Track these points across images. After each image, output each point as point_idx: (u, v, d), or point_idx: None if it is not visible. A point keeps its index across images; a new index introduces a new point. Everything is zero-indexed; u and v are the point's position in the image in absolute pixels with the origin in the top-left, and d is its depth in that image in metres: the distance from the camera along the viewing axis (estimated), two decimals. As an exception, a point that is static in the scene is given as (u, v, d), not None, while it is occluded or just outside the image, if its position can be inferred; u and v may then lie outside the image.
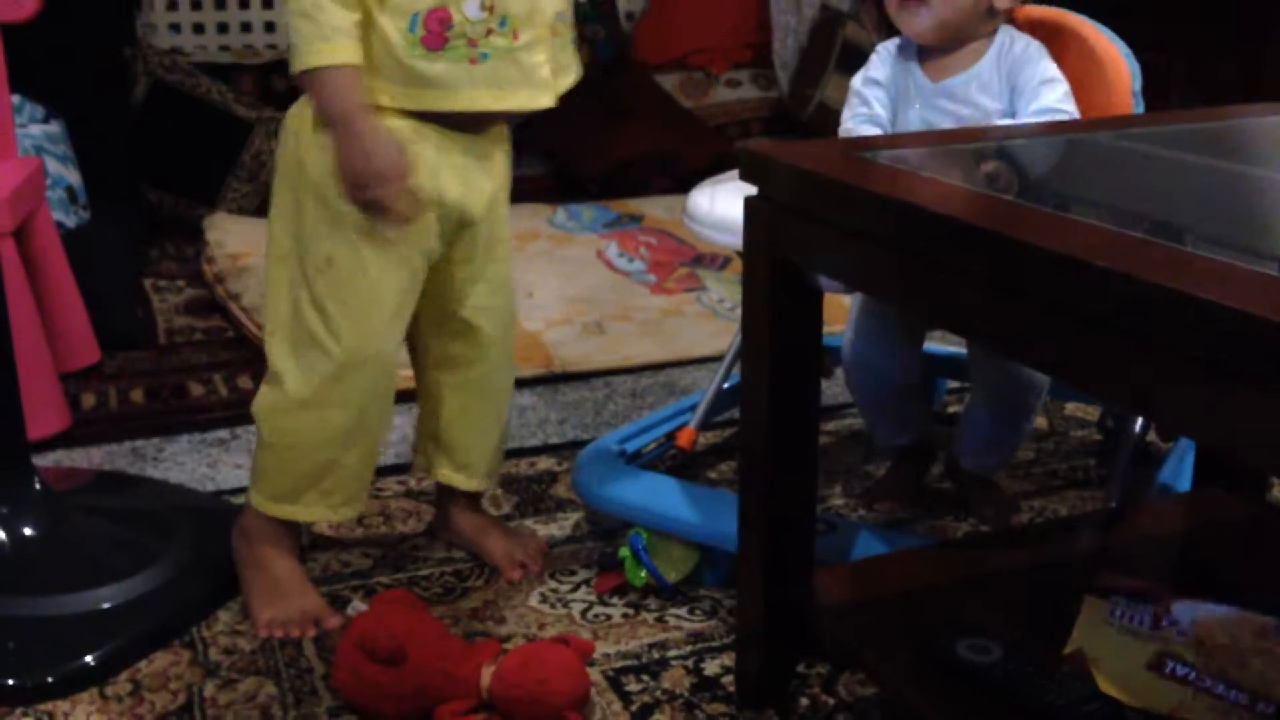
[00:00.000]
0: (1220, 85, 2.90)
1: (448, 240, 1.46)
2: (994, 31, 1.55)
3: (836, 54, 3.81)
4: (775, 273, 1.18)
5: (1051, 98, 1.49)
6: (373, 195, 1.33)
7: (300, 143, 1.39)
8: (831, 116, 2.81)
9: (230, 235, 2.90)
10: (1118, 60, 1.53)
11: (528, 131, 3.68)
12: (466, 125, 1.42)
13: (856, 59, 3.98)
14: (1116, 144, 1.26)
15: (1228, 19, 2.76)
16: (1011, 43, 1.55)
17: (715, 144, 3.71)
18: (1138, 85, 1.53)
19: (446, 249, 1.47)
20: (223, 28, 3.54)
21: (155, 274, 2.89)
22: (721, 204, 1.65)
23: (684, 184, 3.66)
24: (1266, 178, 1.24)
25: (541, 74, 1.41)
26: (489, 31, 1.35)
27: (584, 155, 3.60)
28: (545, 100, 1.42)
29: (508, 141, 1.52)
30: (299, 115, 1.40)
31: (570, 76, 1.47)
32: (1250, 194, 1.17)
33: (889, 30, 1.62)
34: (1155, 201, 1.14)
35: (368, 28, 1.34)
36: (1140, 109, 1.54)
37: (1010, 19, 1.57)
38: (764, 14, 3.93)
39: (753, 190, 1.20)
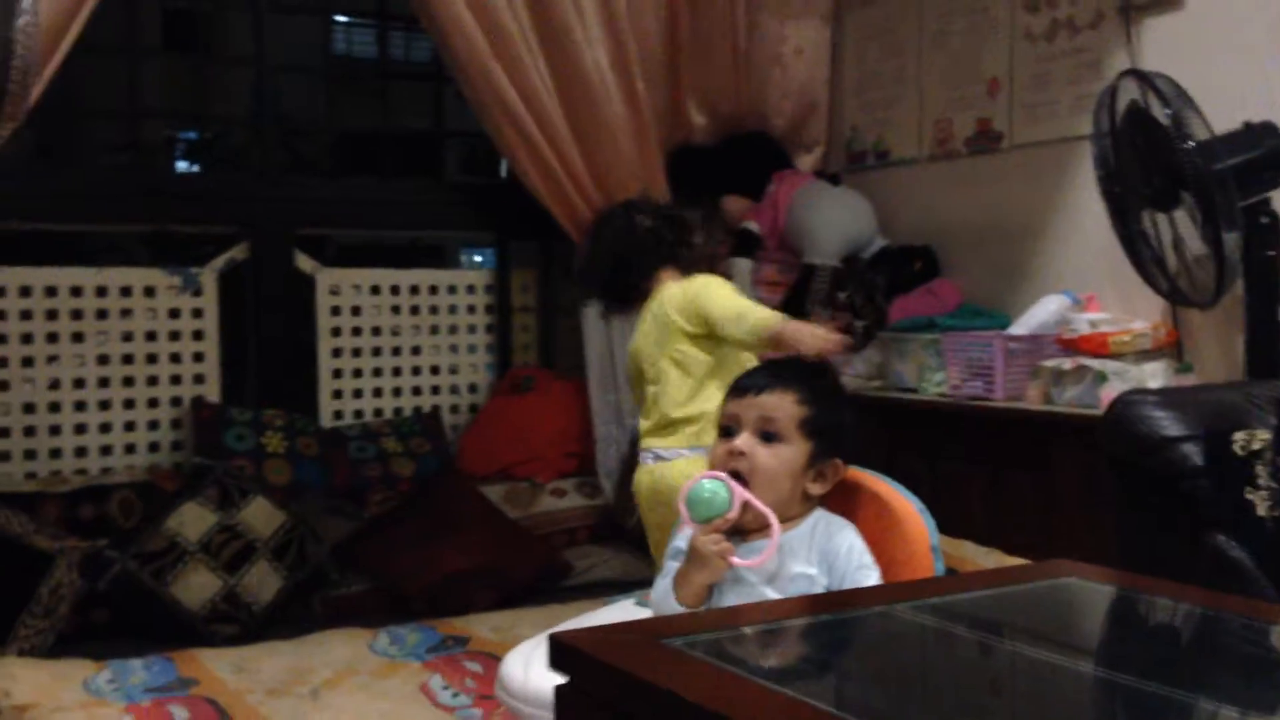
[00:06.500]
0: (1018, 490, 3.10)
1: None
2: (809, 511, 1.63)
3: (658, 462, 3.92)
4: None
5: (873, 580, 1.54)
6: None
7: None
8: (656, 524, 2.87)
9: (19, 683, 2.67)
10: (915, 518, 1.59)
11: (350, 548, 3.60)
12: None
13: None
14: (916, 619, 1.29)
15: (1020, 436, 3.01)
16: (826, 519, 1.62)
17: (542, 554, 3.69)
18: (935, 540, 1.59)
19: None
20: (30, 454, 3.43)
21: (-74, 732, 2.62)
22: (537, 677, 1.59)
23: (511, 598, 3.63)
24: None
25: None
26: None
27: (408, 572, 3.53)
28: None
29: None
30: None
31: None
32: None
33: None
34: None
35: None
36: (939, 563, 1.59)
37: (823, 502, 1.64)
38: (586, 424, 4.04)
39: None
